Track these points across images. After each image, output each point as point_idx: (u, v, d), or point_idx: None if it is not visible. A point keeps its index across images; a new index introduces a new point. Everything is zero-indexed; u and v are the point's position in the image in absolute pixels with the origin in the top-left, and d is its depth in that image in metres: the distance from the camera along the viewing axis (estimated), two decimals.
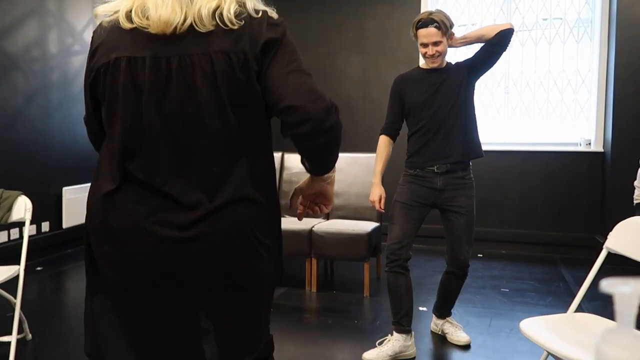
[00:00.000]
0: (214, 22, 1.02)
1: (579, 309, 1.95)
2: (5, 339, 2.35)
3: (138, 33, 1.04)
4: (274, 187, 1.18)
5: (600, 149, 4.31)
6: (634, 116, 4.05)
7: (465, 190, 2.47)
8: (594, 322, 1.82)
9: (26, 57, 4.08)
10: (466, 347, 2.58)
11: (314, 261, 3.44)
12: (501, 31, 2.40)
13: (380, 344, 2.47)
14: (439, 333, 2.70)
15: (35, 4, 4.16)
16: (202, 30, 1.02)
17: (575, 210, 4.41)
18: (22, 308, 2.39)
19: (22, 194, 2.54)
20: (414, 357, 2.45)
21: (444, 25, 2.35)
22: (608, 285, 0.39)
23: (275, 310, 3.09)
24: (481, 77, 2.55)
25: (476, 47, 2.53)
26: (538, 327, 1.72)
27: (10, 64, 3.95)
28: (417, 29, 2.39)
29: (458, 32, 2.55)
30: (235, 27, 1.02)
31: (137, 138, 1.05)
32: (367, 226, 3.44)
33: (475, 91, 2.56)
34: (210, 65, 1.02)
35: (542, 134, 4.53)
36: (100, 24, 1.10)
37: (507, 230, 4.56)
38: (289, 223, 3.57)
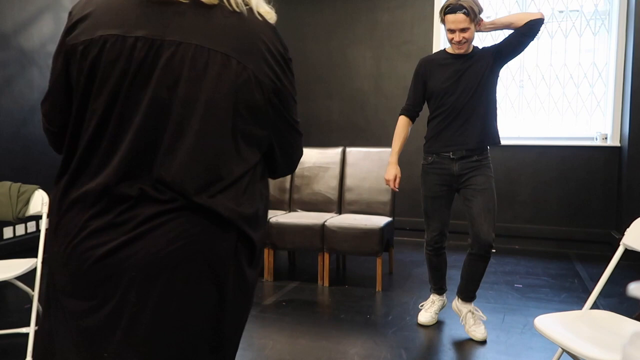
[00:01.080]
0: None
1: (595, 305, 1.93)
2: (23, 330, 2.40)
3: (129, 1, 0.91)
4: None
5: (617, 144, 4.25)
6: None
7: (482, 169, 2.51)
8: (611, 319, 1.80)
9: (41, 53, 4.12)
10: (480, 343, 2.57)
11: (327, 256, 3.45)
12: (531, 20, 2.38)
13: (423, 307, 2.84)
14: (461, 322, 2.68)
15: (50, 0, 4.20)
16: (204, 0, 0.91)
17: (590, 205, 4.36)
18: (39, 300, 2.43)
19: (39, 188, 2.58)
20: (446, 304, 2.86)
21: (472, 12, 2.33)
22: (636, 289, 0.38)
23: (287, 304, 3.11)
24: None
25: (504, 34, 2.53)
26: (553, 324, 1.71)
27: (26, 60, 3.99)
28: (445, 14, 2.38)
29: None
30: (239, 12, 0.93)
31: (111, 132, 0.90)
32: (380, 221, 3.43)
33: (497, 73, 2.54)
34: (202, 61, 0.89)
35: (558, 129, 4.48)
36: None
37: (521, 225, 4.52)
38: (302, 218, 3.58)
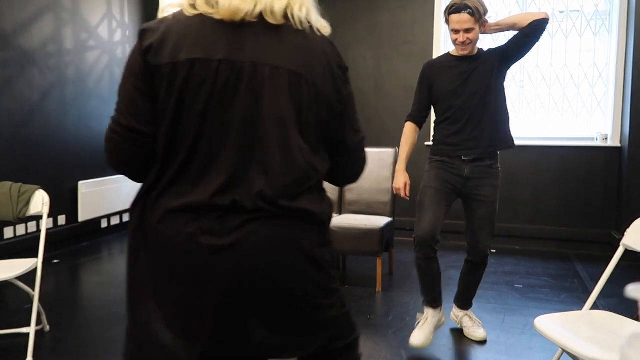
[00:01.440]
0: (284, 19, 1.02)
1: (595, 306, 1.93)
2: (24, 330, 2.40)
3: (206, 24, 0.99)
4: None
5: (617, 144, 4.25)
6: None
7: (492, 179, 2.45)
8: (611, 319, 1.80)
9: (41, 53, 4.13)
10: (480, 343, 2.57)
11: None
12: (535, 21, 2.33)
13: (418, 325, 2.52)
14: (458, 325, 2.70)
15: (51, 0, 4.20)
16: (272, 21, 1.00)
17: (590, 205, 4.36)
18: (40, 300, 2.43)
19: (40, 188, 2.58)
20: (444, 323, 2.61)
21: (477, 12, 2.28)
22: (634, 290, 0.38)
23: None
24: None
25: (509, 35, 2.46)
26: (553, 324, 1.71)
27: (26, 60, 4.00)
28: (449, 14, 2.33)
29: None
30: (303, 30, 1.04)
31: (198, 145, 0.99)
32: (380, 221, 3.43)
33: (504, 74, 2.50)
34: (279, 80, 0.99)
35: (558, 129, 4.48)
36: (160, 19, 1.04)
37: (521, 225, 4.52)
38: None
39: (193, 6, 1.00)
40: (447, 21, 2.37)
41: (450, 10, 2.33)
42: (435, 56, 4.70)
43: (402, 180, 2.56)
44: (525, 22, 2.35)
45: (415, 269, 2.51)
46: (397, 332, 2.69)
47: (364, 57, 4.96)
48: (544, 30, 2.38)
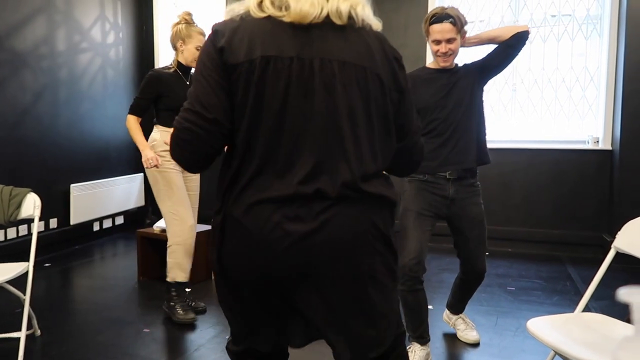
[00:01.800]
0: (348, 19, 1.10)
1: (587, 308, 1.94)
2: (14, 335, 2.38)
3: (275, 25, 1.06)
4: None
5: (609, 147, 4.28)
6: None
7: (475, 197, 2.36)
8: (602, 322, 1.81)
9: (34, 55, 4.10)
10: (473, 345, 2.57)
11: None
12: (517, 33, 2.27)
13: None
14: (451, 327, 2.71)
15: (43, 2, 4.18)
16: (338, 22, 1.09)
17: (582, 208, 4.39)
18: (30, 304, 2.41)
19: (31, 191, 2.56)
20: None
21: (459, 21, 2.21)
22: (626, 294, 0.39)
23: None
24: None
25: (486, 49, 2.40)
26: (545, 327, 1.72)
27: (18, 61, 3.97)
28: (430, 24, 2.22)
29: (469, 30, 2.44)
30: (363, 28, 1.12)
31: (275, 141, 1.06)
32: None
33: (482, 88, 2.43)
34: (347, 74, 1.07)
35: (550, 132, 4.51)
36: (227, 20, 1.10)
37: (513, 228, 4.54)
38: None
39: (261, 9, 1.07)
40: (427, 32, 2.26)
41: (431, 21, 2.22)
42: (428, 59, 4.72)
43: None
44: (507, 34, 2.29)
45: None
46: None
47: None
48: (525, 43, 2.33)
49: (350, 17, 1.10)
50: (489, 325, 2.82)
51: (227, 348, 1.31)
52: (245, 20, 1.07)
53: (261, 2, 1.07)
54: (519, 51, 2.33)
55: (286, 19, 1.05)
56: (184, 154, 1.10)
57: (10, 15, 3.90)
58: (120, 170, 5.01)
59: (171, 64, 2.91)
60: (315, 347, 2.55)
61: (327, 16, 1.07)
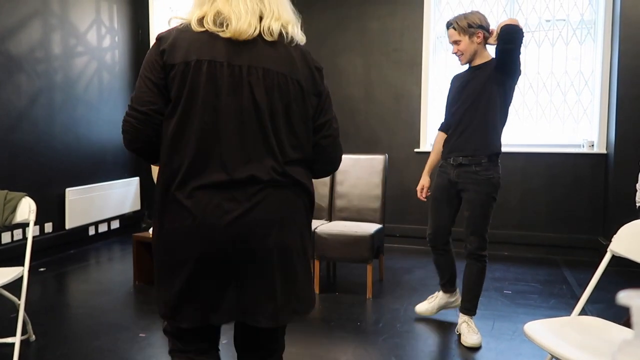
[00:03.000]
0: (278, 37, 1.30)
1: (583, 311, 1.94)
2: (9, 340, 2.36)
3: (211, 37, 1.24)
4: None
5: (604, 151, 4.31)
6: (638, 118, 4.04)
7: (476, 185, 2.58)
8: (599, 325, 1.81)
9: (30, 58, 4.09)
10: (471, 349, 2.57)
11: (317, 263, 3.44)
12: (503, 31, 2.43)
13: (429, 299, 2.97)
14: (456, 331, 2.75)
15: (39, 5, 4.17)
16: (269, 39, 1.28)
17: (578, 212, 4.41)
18: (25, 309, 2.39)
19: (26, 195, 2.55)
20: (459, 305, 2.86)
21: (458, 26, 2.55)
22: (625, 297, 0.39)
23: None
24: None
25: None
26: (542, 330, 1.72)
27: (13, 65, 3.96)
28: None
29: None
30: (290, 43, 1.32)
31: (213, 133, 1.24)
32: (370, 228, 3.44)
33: (504, 85, 2.56)
34: (269, 79, 1.26)
35: (545, 136, 4.53)
36: (171, 29, 1.29)
37: (509, 231, 4.55)
38: None
39: (200, 24, 1.25)
40: None
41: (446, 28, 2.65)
42: (424, 63, 4.75)
43: (420, 183, 2.87)
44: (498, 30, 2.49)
45: (404, 276, 2.89)
46: (387, 339, 2.69)
47: (354, 64, 4.99)
48: (513, 39, 2.41)
49: (280, 34, 1.30)
50: (486, 329, 2.82)
51: (164, 330, 1.43)
52: (184, 31, 1.25)
53: (202, 18, 1.25)
54: (509, 48, 2.42)
55: (224, 35, 1.24)
56: (126, 139, 1.31)
57: (6, 19, 3.89)
58: (116, 175, 5.00)
59: None
60: (315, 349, 2.55)
61: (260, 34, 1.27)
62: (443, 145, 2.73)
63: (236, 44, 1.25)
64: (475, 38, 2.54)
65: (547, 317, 1.89)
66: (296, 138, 1.32)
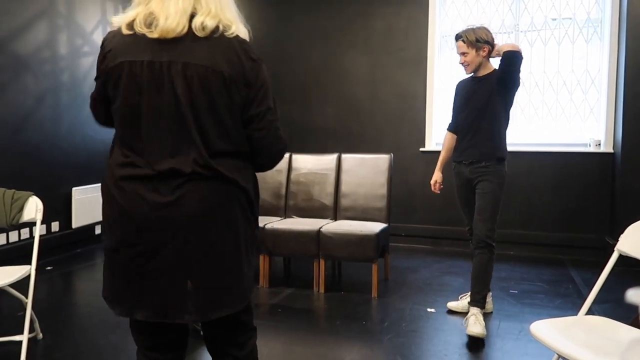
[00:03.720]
0: (211, 33, 1.29)
1: (590, 311, 1.94)
2: (17, 338, 2.38)
3: (137, 39, 1.29)
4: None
5: (610, 150, 4.28)
6: None
7: (488, 175, 2.80)
8: (606, 325, 1.80)
9: (36, 59, 4.12)
10: (475, 348, 2.57)
11: (322, 262, 3.44)
12: (503, 54, 2.69)
13: (461, 297, 3.06)
14: (463, 323, 2.81)
15: (46, 6, 4.20)
16: (200, 34, 1.28)
17: (584, 211, 4.39)
18: (33, 307, 2.41)
19: (33, 194, 2.56)
20: (491, 312, 3.01)
21: (467, 39, 2.77)
22: (634, 295, 0.39)
23: (282, 311, 3.10)
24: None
25: None
26: (548, 330, 1.71)
27: (20, 65, 3.98)
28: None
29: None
30: (222, 36, 1.29)
31: (135, 129, 1.29)
32: (376, 227, 3.44)
33: (505, 96, 2.79)
34: (190, 72, 1.27)
35: (551, 135, 4.51)
36: (109, 32, 1.35)
37: (515, 231, 4.53)
38: (297, 224, 3.58)
39: (129, 27, 1.31)
40: None
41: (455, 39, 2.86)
42: (429, 63, 4.74)
43: (433, 178, 3.08)
44: (500, 51, 2.73)
45: (410, 275, 2.94)
46: (393, 338, 2.69)
47: (359, 63, 4.99)
48: (513, 64, 2.68)
49: (215, 30, 1.29)
50: (492, 329, 2.81)
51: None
52: (115, 36, 1.33)
53: (131, 22, 1.30)
54: (510, 70, 2.70)
55: (151, 35, 1.28)
56: (94, 116, 1.49)
57: (12, 19, 3.91)
58: None
59: None
60: (320, 347, 2.55)
61: (190, 30, 1.28)
62: (454, 149, 2.95)
63: (163, 43, 1.28)
64: (481, 52, 2.77)
65: (553, 317, 1.88)
66: (223, 128, 1.30)
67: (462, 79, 3.00)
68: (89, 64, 4.63)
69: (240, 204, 1.34)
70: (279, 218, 3.86)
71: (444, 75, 4.75)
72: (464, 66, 2.85)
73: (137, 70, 1.27)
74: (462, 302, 3.05)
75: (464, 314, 2.94)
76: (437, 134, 4.71)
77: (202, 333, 1.50)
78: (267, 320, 2.94)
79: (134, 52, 1.28)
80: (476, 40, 2.76)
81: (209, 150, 1.29)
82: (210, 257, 1.30)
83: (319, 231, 3.43)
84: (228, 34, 1.30)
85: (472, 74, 2.87)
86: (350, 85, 5.02)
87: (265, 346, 2.58)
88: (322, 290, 3.45)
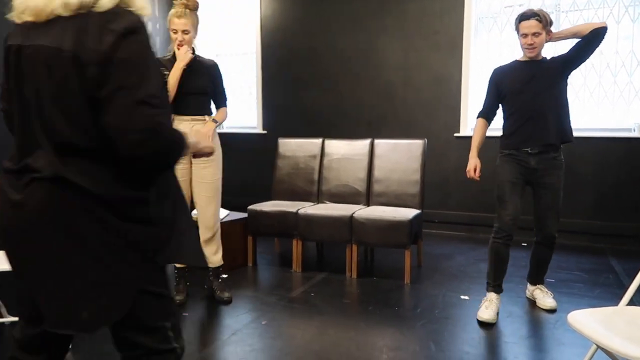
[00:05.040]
0: (72, 10, 1.13)
1: (631, 302, 1.88)
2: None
3: (19, 26, 1.21)
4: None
5: None
6: None
7: (556, 169, 2.77)
8: None
9: None
10: (513, 336, 2.54)
11: (355, 247, 3.45)
12: (595, 29, 2.63)
13: (485, 305, 2.77)
14: (530, 298, 3.00)
15: None
16: (64, 14, 1.13)
17: (627, 199, 4.23)
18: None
19: None
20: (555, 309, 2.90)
21: (544, 19, 2.64)
22: None
23: (315, 295, 3.13)
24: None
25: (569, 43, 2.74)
26: (587, 320, 1.67)
27: None
28: (520, 21, 2.68)
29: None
30: (87, 13, 1.12)
31: (10, 118, 1.27)
32: (409, 213, 3.42)
33: (566, 78, 2.79)
34: (40, 56, 1.14)
35: (594, 119, 4.35)
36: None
37: None
38: (330, 209, 3.59)
39: (19, 16, 1.21)
40: (517, 29, 2.71)
41: (521, 18, 2.68)
42: (465, 46, 4.62)
43: (472, 164, 2.86)
44: (586, 30, 2.66)
45: (443, 262, 2.85)
46: (425, 324, 2.69)
47: (393, 48, 4.92)
48: (603, 38, 2.66)
49: (82, 7, 1.12)
50: (528, 317, 2.77)
51: None
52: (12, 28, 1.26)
53: (21, 11, 1.21)
54: (597, 45, 2.68)
55: (28, 18, 1.17)
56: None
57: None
58: None
59: (170, 49, 2.94)
60: (352, 333, 2.58)
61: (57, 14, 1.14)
62: (510, 134, 2.78)
63: (34, 27, 1.17)
64: (547, 35, 2.69)
65: (592, 307, 1.84)
66: (75, 120, 1.13)
67: (501, 66, 2.85)
68: None
69: (86, 210, 1.14)
70: (311, 203, 3.89)
71: (481, 58, 4.64)
72: (529, 48, 2.68)
73: (10, 57, 1.21)
74: (491, 311, 2.72)
75: (471, 308, 2.89)
76: (473, 120, 4.61)
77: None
78: (300, 304, 2.98)
79: (14, 39, 1.21)
80: (549, 23, 2.68)
81: (56, 146, 1.14)
82: (48, 266, 1.18)
83: (351, 217, 3.44)
84: (97, 8, 1.13)
85: (527, 58, 2.73)
86: (383, 70, 4.97)
87: (298, 329, 2.63)
88: (354, 275, 3.46)
